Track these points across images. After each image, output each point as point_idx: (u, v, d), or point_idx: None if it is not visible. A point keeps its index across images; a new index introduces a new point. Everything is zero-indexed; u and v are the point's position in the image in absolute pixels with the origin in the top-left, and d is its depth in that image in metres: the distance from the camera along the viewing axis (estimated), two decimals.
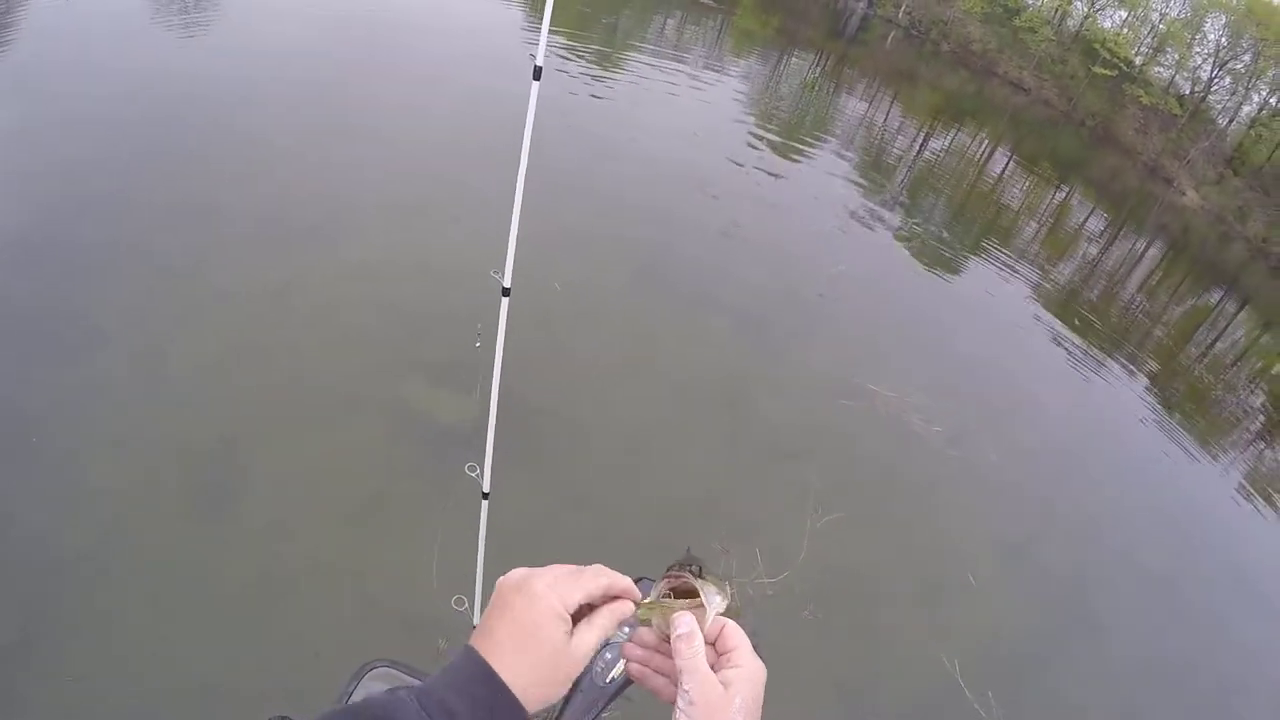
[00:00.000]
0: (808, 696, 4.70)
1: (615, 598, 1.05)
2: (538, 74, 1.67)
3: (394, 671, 2.31)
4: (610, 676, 1.73)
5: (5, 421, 4.95)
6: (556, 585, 0.99)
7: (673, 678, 1.02)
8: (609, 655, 1.74)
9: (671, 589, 1.07)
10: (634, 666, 1.08)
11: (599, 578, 1.03)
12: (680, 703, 0.96)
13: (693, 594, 1.06)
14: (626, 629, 1.06)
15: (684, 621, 1.01)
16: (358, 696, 2.20)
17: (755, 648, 1.00)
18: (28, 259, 6.20)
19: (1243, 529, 9.74)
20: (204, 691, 3.73)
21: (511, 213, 1.80)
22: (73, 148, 7.60)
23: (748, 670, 0.99)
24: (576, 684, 1.70)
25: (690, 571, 1.06)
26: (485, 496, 1.94)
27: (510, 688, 0.93)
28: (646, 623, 1.07)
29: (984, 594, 6.20)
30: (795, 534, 5.99)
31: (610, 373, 6.86)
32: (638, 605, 1.06)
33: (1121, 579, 7.37)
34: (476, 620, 1.93)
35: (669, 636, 1.02)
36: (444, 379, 6.01)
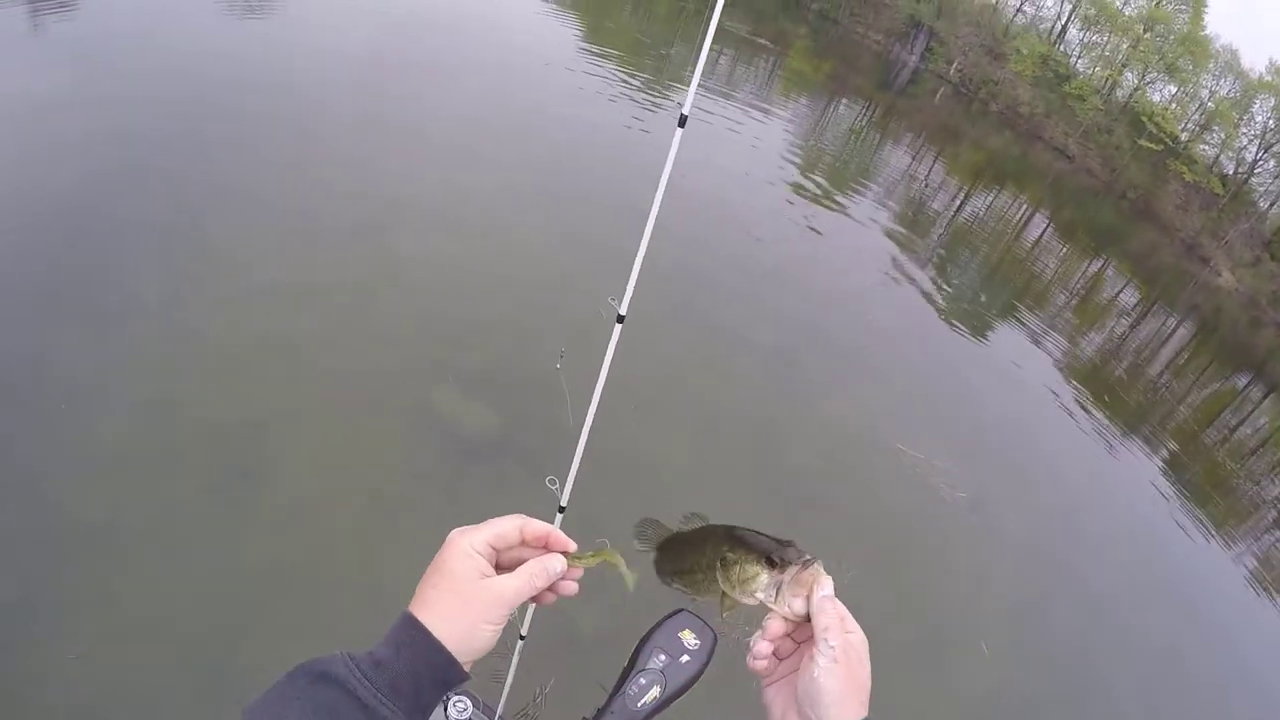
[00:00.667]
0: None
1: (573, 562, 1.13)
2: (683, 121, 1.80)
3: None
4: (642, 702, 1.87)
5: (38, 385, 5.13)
6: (466, 531, 1.07)
7: (782, 653, 1.13)
8: (643, 681, 1.90)
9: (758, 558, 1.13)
10: (762, 662, 1.13)
11: (508, 519, 1.10)
12: (823, 660, 1.03)
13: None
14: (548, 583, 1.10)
15: (827, 583, 1.09)
16: None
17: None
18: (74, 226, 6.44)
19: (1249, 616, 9.73)
20: (225, 678, 3.81)
21: (639, 245, 1.92)
22: (128, 120, 7.86)
23: (860, 633, 1.07)
24: (608, 704, 1.89)
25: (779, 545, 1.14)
26: (561, 510, 2.07)
27: (427, 625, 0.99)
28: (577, 568, 1.14)
29: (991, 660, 6.24)
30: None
31: (644, 405, 6.97)
32: (568, 555, 1.12)
33: (1127, 654, 7.40)
34: (524, 629, 2.09)
35: (785, 615, 1.10)
36: (495, 389, 6.17)
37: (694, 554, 1.23)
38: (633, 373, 7.49)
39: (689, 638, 2.00)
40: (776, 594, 1.10)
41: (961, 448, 8.73)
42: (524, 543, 1.11)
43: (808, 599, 1.08)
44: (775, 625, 1.11)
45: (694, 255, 9.75)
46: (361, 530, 4.90)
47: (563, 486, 1.95)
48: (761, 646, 1.12)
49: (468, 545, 1.05)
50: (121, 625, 4.02)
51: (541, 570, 1.08)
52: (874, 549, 6.69)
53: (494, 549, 1.07)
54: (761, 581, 1.11)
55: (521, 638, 2.04)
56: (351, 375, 5.95)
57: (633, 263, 1.87)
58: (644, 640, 2.00)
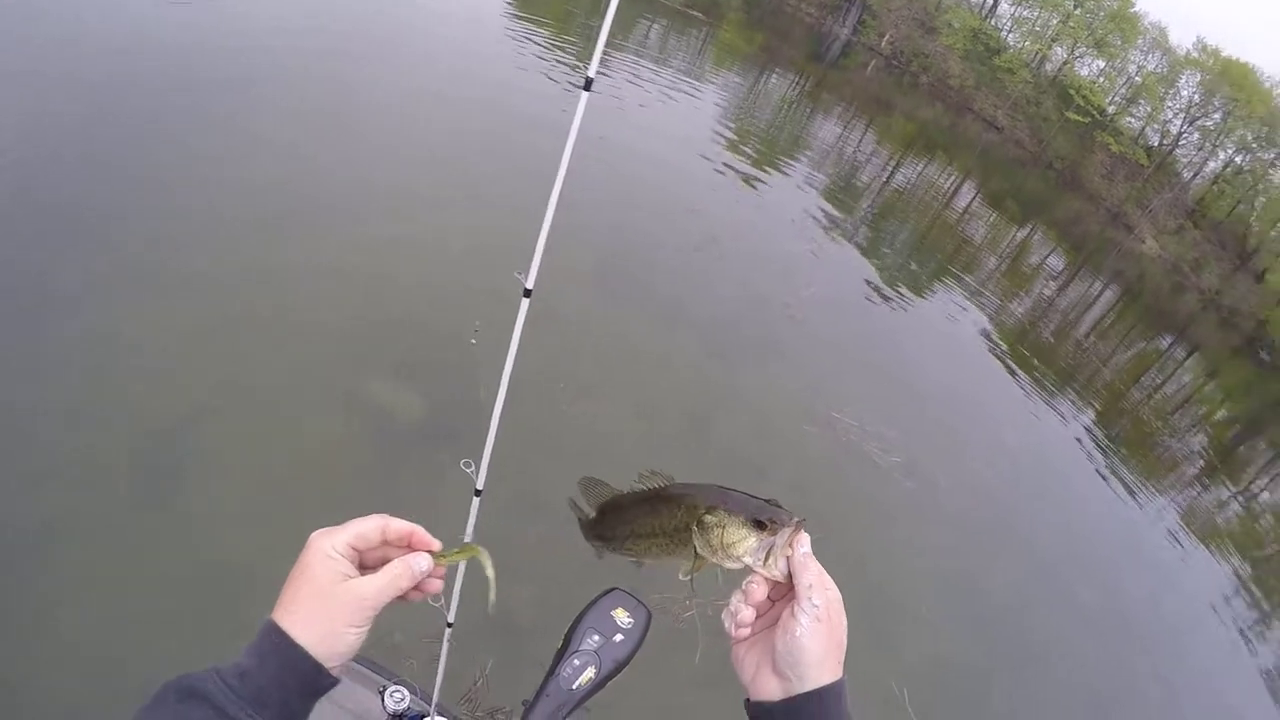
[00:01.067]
0: None
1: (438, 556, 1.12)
2: (588, 85, 1.69)
3: (351, 662, 2.34)
4: (577, 683, 1.84)
5: None
6: (327, 533, 1.05)
7: (767, 613, 1.09)
8: (577, 662, 1.87)
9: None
10: (744, 630, 1.10)
11: (369, 519, 1.08)
12: (805, 618, 1.01)
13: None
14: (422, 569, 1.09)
15: (805, 540, 1.06)
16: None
17: None
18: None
19: (1175, 568, 9.99)
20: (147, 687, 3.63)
21: (544, 215, 1.83)
22: (55, 103, 7.48)
23: (836, 590, 1.05)
24: (543, 688, 1.87)
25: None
26: (478, 494, 1.97)
27: (289, 631, 0.98)
28: (443, 566, 1.12)
29: (933, 623, 6.26)
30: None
31: (575, 381, 6.80)
32: (434, 554, 1.11)
33: (1061, 610, 7.53)
34: (451, 617, 2.00)
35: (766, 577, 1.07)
36: (417, 373, 5.99)
37: (655, 516, 1.18)
38: (564, 349, 7.27)
39: (622, 616, 1.99)
40: (766, 557, 1.06)
41: (895, 413, 8.75)
42: (387, 543, 1.09)
43: (788, 558, 1.05)
44: (759, 590, 1.08)
45: (627, 228, 9.61)
46: (299, 530, 4.68)
47: (478, 469, 1.84)
48: (745, 614, 1.08)
49: (328, 547, 1.03)
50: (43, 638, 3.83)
51: (406, 569, 1.07)
52: (810, 517, 6.64)
53: (356, 550, 1.06)
54: (749, 545, 1.07)
55: (449, 625, 1.98)
56: (275, 370, 5.72)
57: (538, 235, 1.75)
58: (576, 621, 1.98)
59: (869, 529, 7.03)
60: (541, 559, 5.06)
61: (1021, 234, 19.59)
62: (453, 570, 1.87)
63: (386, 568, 1.06)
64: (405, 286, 6.88)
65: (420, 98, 10.21)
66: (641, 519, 1.21)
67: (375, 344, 6.19)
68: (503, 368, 1.91)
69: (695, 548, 1.11)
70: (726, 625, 1.09)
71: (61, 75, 7.82)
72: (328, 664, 0.99)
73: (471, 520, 1.91)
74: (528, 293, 1.95)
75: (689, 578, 1.14)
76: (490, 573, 1.18)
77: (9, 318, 5.28)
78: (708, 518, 1.10)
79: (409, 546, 1.10)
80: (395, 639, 3.98)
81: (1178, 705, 7.41)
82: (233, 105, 8.45)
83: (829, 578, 1.05)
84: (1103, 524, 9.73)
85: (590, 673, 1.87)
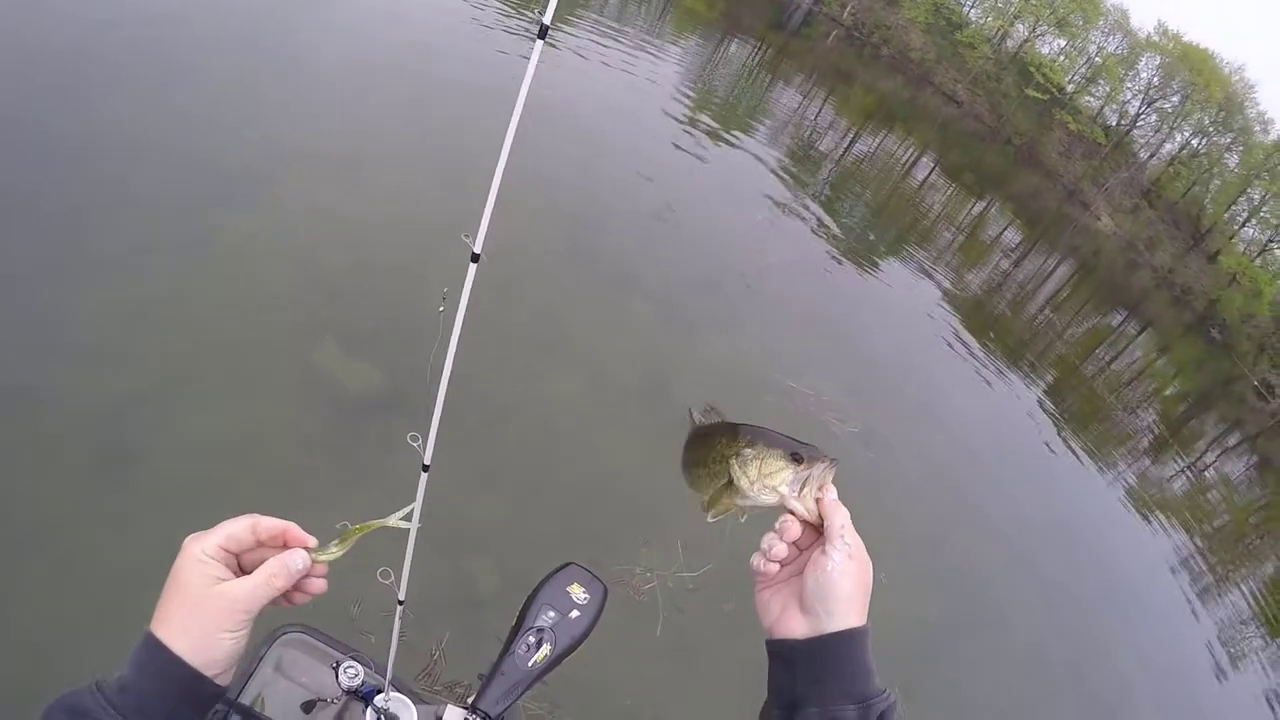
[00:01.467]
0: (729, 690, 4.55)
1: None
2: (543, 33, 1.48)
3: (304, 636, 2.30)
4: (532, 661, 1.82)
5: None
6: (198, 537, 1.01)
7: (793, 561, 1.12)
8: (531, 640, 1.85)
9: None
10: (773, 565, 1.12)
11: (239, 520, 1.03)
12: (838, 555, 1.04)
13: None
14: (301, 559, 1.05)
15: (832, 488, 1.11)
16: (270, 660, 2.23)
17: None
18: None
19: (1125, 536, 10.09)
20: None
21: (492, 178, 1.62)
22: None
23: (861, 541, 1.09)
24: (498, 666, 1.84)
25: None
26: (425, 469, 1.79)
27: (164, 640, 0.95)
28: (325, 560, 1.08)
29: (893, 590, 6.19)
30: (716, 528, 5.81)
31: (532, 351, 6.60)
32: (311, 550, 1.06)
33: (1015, 577, 7.59)
34: (402, 594, 1.88)
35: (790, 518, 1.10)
36: (373, 343, 5.73)
37: (705, 448, 1.21)
38: (519, 319, 7.05)
39: (578, 592, 1.96)
40: (801, 489, 1.09)
41: (851, 383, 8.69)
42: (260, 543, 1.05)
43: (818, 501, 1.09)
44: (793, 527, 1.10)
45: (583, 196, 9.27)
46: (246, 509, 4.42)
47: (425, 443, 1.65)
48: (780, 548, 1.10)
49: (199, 551, 1.00)
50: None
51: (281, 568, 1.03)
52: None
53: (229, 552, 1.02)
54: (785, 477, 1.10)
55: (400, 602, 1.89)
56: (227, 342, 5.41)
57: (486, 197, 1.55)
58: (531, 597, 1.94)
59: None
60: (499, 531, 4.90)
61: (979, 207, 19.59)
62: (402, 548, 1.83)
63: (261, 568, 1.02)
64: (358, 256, 6.57)
65: (367, 64, 9.78)
66: (696, 448, 1.25)
67: (329, 315, 5.90)
68: (449, 338, 1.76)
69: (732, 479, 1.14)
70: (756, 564, 1.12)
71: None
72: (207, 671, 0.96)
73: (420, 496, 1.72)
74: (475, 257, 1.77)
75: (715, 519, 1.18)
76: (392, 521, 1.14)
77: None
78: (747, 450, 1.14)
79: (284, 545, 1.06)
80: (352, 613, 3.83)
81: (1117, 660, 7.52)
82: (166, 75, 7.98)
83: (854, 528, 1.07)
84: (1055, 493, 9.76)
85: (545, 650, 1.84)
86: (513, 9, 13.38)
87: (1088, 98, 43.89)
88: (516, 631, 1.88)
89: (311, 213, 6.75)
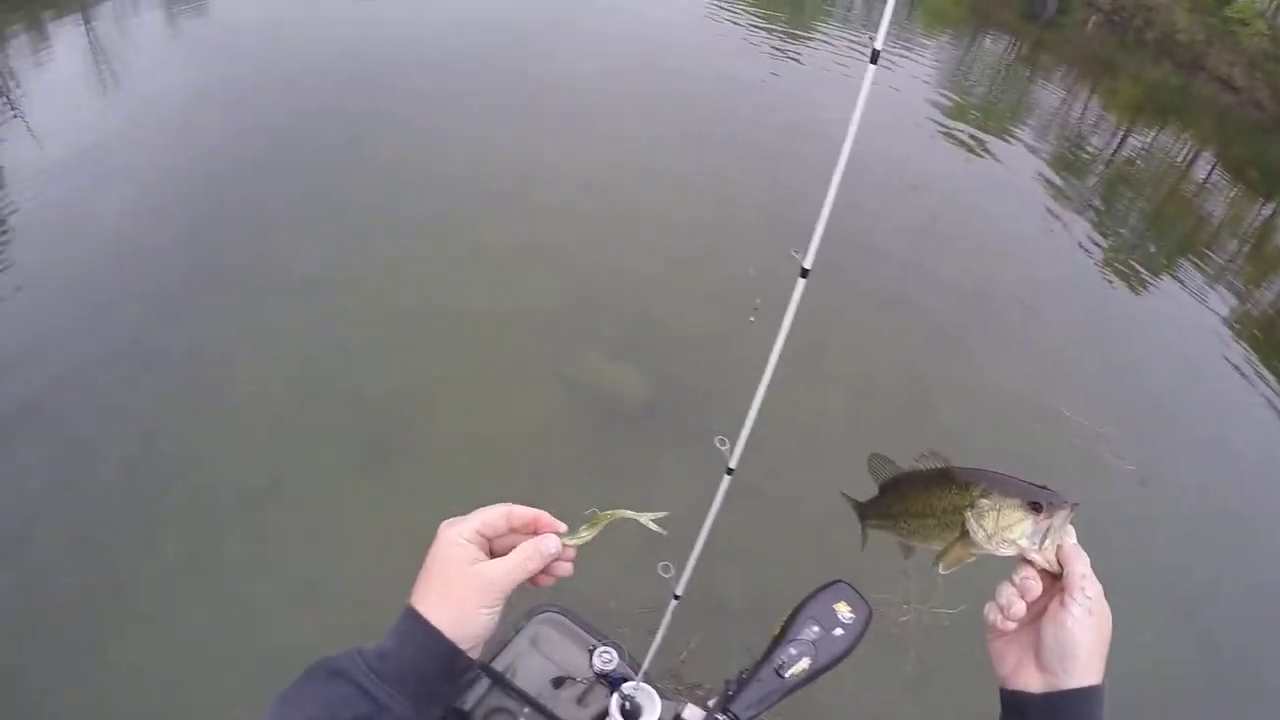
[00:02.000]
0: None
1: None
2: (875, 58, 1.71)
3: (561, 618, 2.48)
4: (790, 672, 1.82)
5: (200, 365, 5.33)
6: (454, 522, 1.11)
7: (1036, 603, 1.08)
8: (793, 651, 1.85)
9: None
10: (1010, 625, 1.09)
11: (494, 508, 1.14)
12: (1078, 609, 1.02)
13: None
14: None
15: (1073, 532, 1.07)
16: (526, 635, 2.37)
17: None
18: (226, 214, 6.63)
19: None
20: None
21: (826, 195, 1.87)
22: (271, 104, 8.02)
23: (1100, 586, 1.06)
24: (755, 673, 1.86)
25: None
26: (730, 472, 2.02)
27: (424, 613, 1.04)
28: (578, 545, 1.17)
29: (1153, 644, 5.89)
30: (980, 565, 5.73)
31: (795, 364, 6.76)
32: (561, 535, 1.15)
33: None
34: (680, 590, 2.05)
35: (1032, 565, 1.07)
36: (670, 352, 6.04)
37: (929, 496, 1.17)
38: (800, 330, 7.28)
39: (844, 610, 1.95)
40: (1042, 541, 1.05)
41: (1128, 414, 8.28)
42: (513, 529, 1.14)
43: (1058, 547, 1.06)
44: (1035, 586, 1.07)
45: (845, 208, 9.35)
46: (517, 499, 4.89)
47: (733, 448, 1.89)
48: (1019, 607, 1.07)
49: (455, 535, 1.09)
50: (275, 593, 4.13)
51: (535, 552, 1.11)
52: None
53: (484, 536, 1.12)
54: (1025, 529, 1.06)
55: (676, 597, 2.05)
56: (508, 346, 5.96)
57: (820, 213, 1.80)
58: (798, 609, 1.95)
59: (1094, 538, 6.63)
60: (757, 544, 5.07)
61: (1267, 210, 17.85)
62: (688, 544, 1.97)
63: (516, 550, 1.11)
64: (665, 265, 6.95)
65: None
66: (916, 498, 1.20)
67: (609, 324, 6.33)
68: (774, 346, 1.95)
69: (967, 530, 1.09)
70: (991, 618, 1.09)
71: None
72: (462, 645, 1.04)
73: (718, 500, 1.94)
74: (805, 272, 1.96)
75: (948, 570, 1.15)
76: (644, 519, 1.20)
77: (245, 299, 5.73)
78: (983, 501, 1.09)
79: (534, 532, 1.15)
80: (610, 606, 4.07)
81: None
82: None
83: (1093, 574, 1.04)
84: None
85: (805, 663, 1.84)
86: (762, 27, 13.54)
87: None
88: (779, 641, 1.89)
89: (593, 220, 7.23)
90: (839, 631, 1.90)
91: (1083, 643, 1.00)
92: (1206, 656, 6.29)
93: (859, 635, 1.94)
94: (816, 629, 1.88)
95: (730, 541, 5.35)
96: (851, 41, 15.61)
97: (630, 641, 2.20)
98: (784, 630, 1.91)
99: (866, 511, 1.41)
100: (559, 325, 6.57)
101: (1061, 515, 1.05)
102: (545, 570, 1.15)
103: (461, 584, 1.06)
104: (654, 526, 1.21)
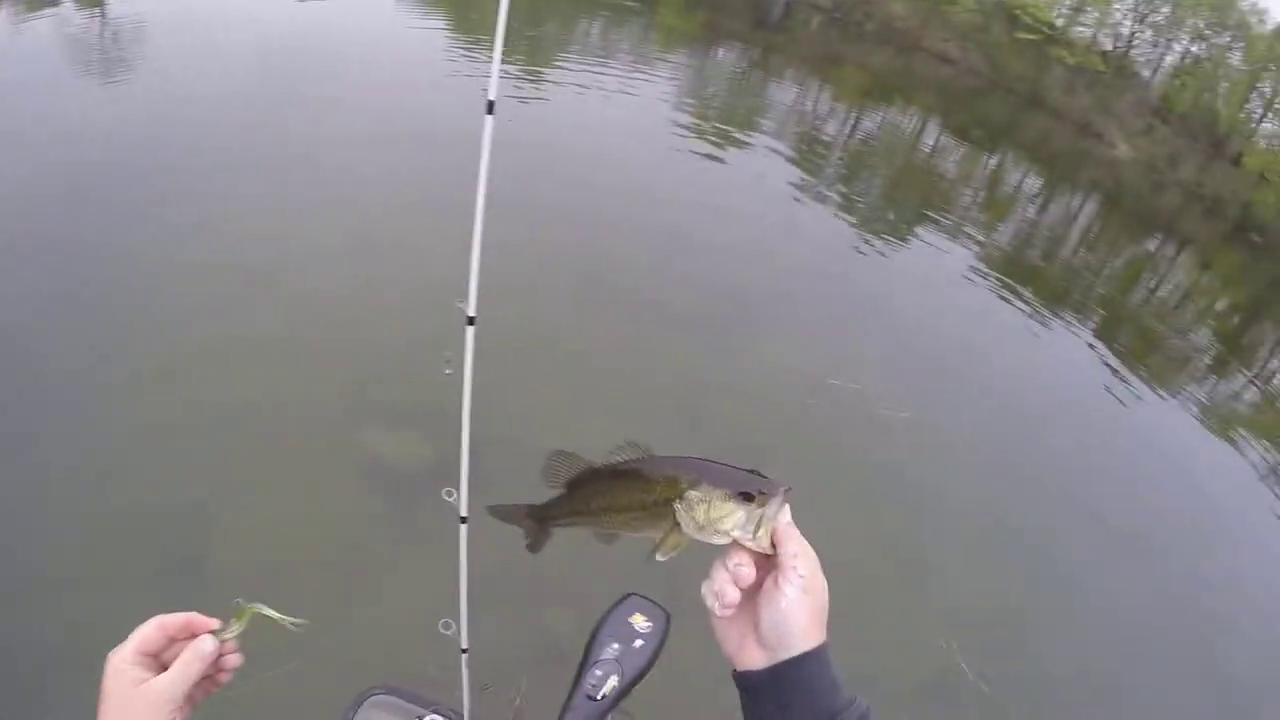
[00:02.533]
0: None
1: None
2: (491, 108, 1.68)
3: (389, 697, 2.34)
4: (602, 693, 1.83)
5: None
6: (118, 649, 1.09)
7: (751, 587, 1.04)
8: (599, 673, 1.86)
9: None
10: (730, 611, 1.05)
11: (146, 624, 1.12)
12: (791, 589, 1.00)
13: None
14: None
15: (786, 510, 1.03)
16: None
17: None
18: None
19: (1204, 464, 9.98)
20: None
21: (471, 243, 1.84)
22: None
23: (812, 551, 1.03)
24: (567, 704, 1.86)
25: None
26: (463, 520, 2.00)
27: None
28: (231, 638, 1.15)
29: (968, 570, 6.26)
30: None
31: (563, 394, 6.72)
32: (214, 632, 1.14)
33: (1093, 536, 7.46)
34: (465, 642, 2.08)
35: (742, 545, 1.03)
36: (405, 414, 5.90)
37: (634, 491, 1.14)
38: (544, 358, 7.05)
39: (640, 621, 1.98)
40: (756, 529, 1.02)
41: (895, 368, 8.73)
42: (172, 638, 1.12)
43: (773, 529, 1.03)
44: (748, 573, 1.03)
45: (595, 229, 9.53)
46: (330, 594, 4.55)
47: (459, 497, 1.87)
48: (732, 595, 1.04)
49: (118, 662, 1.07)
50: None
51: (194, 656, 1.10)
52: (831, 489, 6.48)
53: (146, 654, 1.10)
54: (738, 519, 1.03)
55: (464, 650, 2.08)
56: (269, 436, 5.68)
57: (470, 261, 1.77)
58: (595, 632, 1.98)
59: (887, 485, 6.97)
60: (568, 580, 5.01)
61: (993, 162, 19.51)
62: (455, 596, 1.97)
63: (177, 659, 1.10)
64: (357, 336, 6.77)
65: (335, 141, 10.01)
66: (620, 493, 1.16)
67: (344, 397, 6.10)
68: (462, 396, 1.93)
69: (679, 524, 1.07)
70: (709, 603, 1.06)
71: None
72: None
73: (463, 548, 1.92)
74: (471, 320, 1.97)
75: (666, 558, 1.10)
76: (271, 613, 1.18)
77: None
78: (691, 493, 1.05)
79: (193, 635, 1.13)
80: (431, 674, 3.97)
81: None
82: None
83: (807, 544, 1.03)
84: (1120, 433, 9.69)
85: (613, 681, 1.86)
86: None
87: (1079, 28, 43.30)
88: (583, 667, 1.91)
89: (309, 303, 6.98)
90: (639, 643, 1.93)
91: (798, 619, 1.00)
92: (1019, 559, 6.78)
93: (661, 640, 1.95)
94: (617, 646, 1.92)
95: (546, 584, 4.82)
96: (591, 66, 16.00)
97: (460, 702, 2.21)
98: (586, 655, 1.93)
99: (550, 512, 1.35)
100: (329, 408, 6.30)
101: (774, 503, 1.02)
102: (218, 667, 1.14)
103: (131, 707, 1.05)
104: (290, 625, 1.18)
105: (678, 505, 1.06)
